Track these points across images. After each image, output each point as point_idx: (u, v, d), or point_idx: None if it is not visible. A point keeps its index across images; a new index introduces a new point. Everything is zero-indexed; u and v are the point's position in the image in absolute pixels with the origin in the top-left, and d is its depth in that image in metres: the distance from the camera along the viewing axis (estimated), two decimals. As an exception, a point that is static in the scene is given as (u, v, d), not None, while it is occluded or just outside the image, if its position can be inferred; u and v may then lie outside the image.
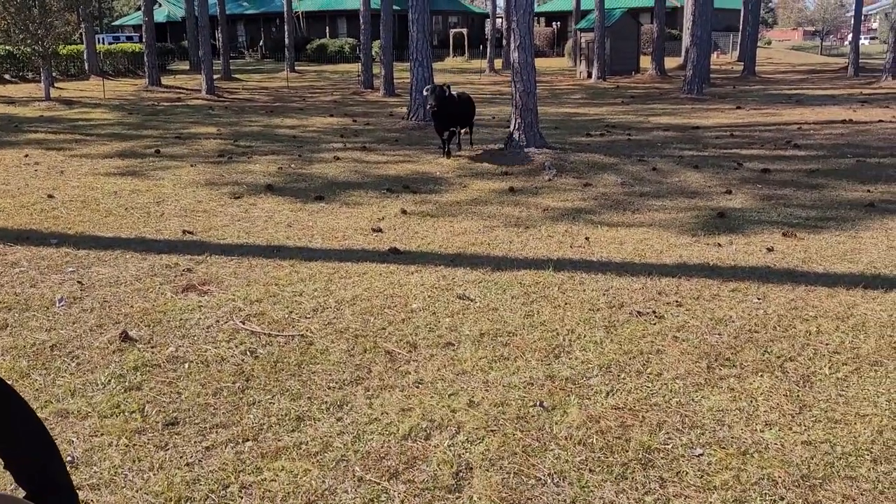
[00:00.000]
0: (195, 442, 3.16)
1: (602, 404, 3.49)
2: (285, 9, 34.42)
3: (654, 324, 4.45)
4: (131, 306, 4.78)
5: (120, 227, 6.84)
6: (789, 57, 45.98)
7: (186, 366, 3.92)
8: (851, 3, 47.11)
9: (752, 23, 32.23)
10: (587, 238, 6.40)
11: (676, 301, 4.81)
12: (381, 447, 3.13)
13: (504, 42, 34.12)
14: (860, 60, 31.29)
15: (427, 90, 10.03)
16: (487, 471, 2.95)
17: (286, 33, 34.12)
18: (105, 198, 8.05)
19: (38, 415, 3.08)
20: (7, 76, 27.39)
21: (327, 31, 45.27)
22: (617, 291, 5.02)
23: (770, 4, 77.41)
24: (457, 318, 4.60)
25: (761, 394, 3.55)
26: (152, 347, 4.15)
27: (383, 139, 12.81)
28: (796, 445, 3.10)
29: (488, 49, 34.17)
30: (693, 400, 3.52)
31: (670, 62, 30.33)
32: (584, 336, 4.29)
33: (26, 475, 0.86)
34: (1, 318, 4.52)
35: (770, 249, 5.98)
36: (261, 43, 47.34)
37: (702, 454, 3.05)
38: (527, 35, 10.62)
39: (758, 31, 34.42)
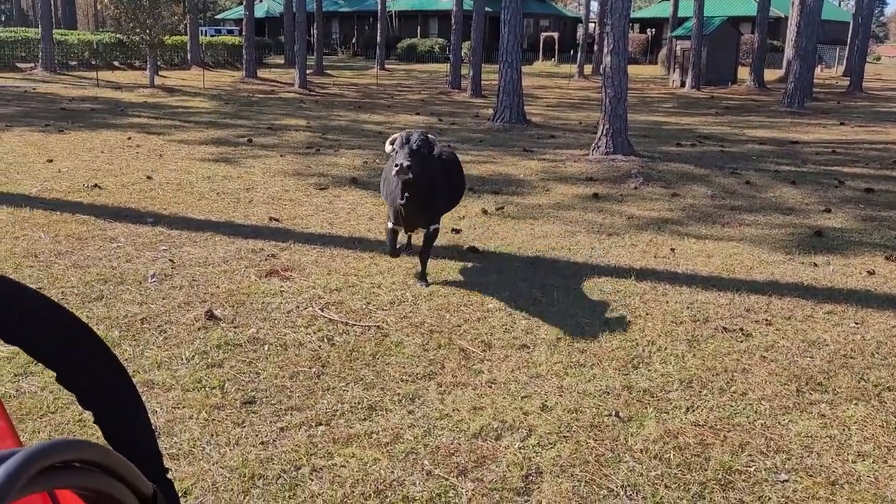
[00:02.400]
0: (270, 422, 3.22)
1: (681, 419, 3.37)
2: (379, 8, 34.98)
3: (741, 341, 4.27)
4: (217, 287, 4.92)
5: (211, 210, 7.07)
6: (899, 74, 43.53)
7: (266, 347, 4.00)
8: (972, 19, 44.04)
9: (862, 36, 30.64)
10: (672, 249, 6.22)
11: (766, 320, 4.60)
12: (451, 443, 3.11)
13: (596, 47, 33.64)
14: (979, 80, 29.28)
15: (397, 140, 4.80)
16: (558, 477, 2.88)
17: (378, 32, 34.65)
18: (199, 182, 8.35)
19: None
20: (116, 63, 28.87)
21: (418, 30, 45.76)
22: (702, 305, 4.85)
23: (882, 19, 73.56)
24: (533, 320, 4.54)
25: (855, 422, 3.35)
26: (235, 327, 4.26)
27: (467, 139, 12.82)
28: (892, 480, 2.91)
29: (579, 54, 33.78)
30: (780, 423, 3.35)
31: (770, 74, 29.22)
32: (665, 348, 4.16)
33: (113, 433, 0.86)
34: (98, 290, 4.73)
35: (871, 273, 5.65)
36: (353, 40, 48.26)
37: (787, 480, 2.89)
38: (621, 39, 10.42)
39: (867, 46, 32.73)
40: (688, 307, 4.82)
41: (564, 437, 3.19)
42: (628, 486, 2.84)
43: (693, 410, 3.46)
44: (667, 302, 4.91)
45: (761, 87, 27.42)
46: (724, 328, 4.44)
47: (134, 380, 3.27)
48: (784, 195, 8.56)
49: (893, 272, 5.70)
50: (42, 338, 0.86)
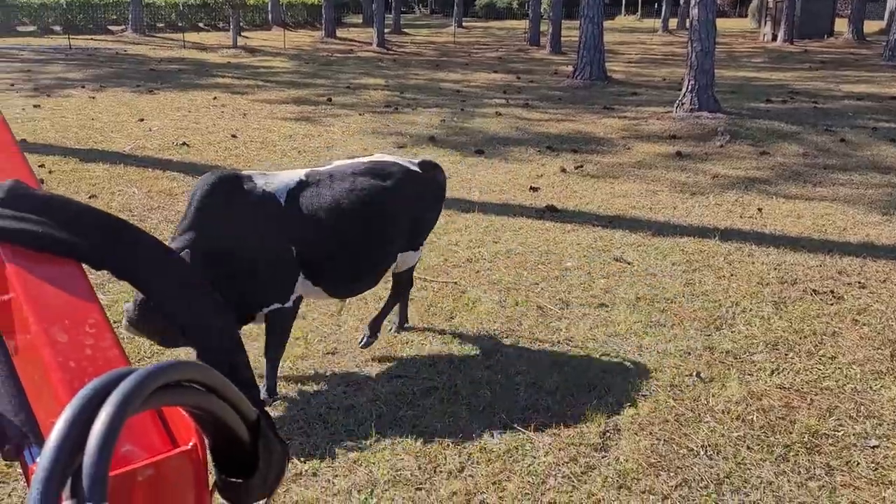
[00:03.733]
0: (352, 372, 3.32)
1: (765, 382, 3.28)
2: (457, -37, 34.46)
3: (832, 304, 4.10)
4: (300, 242, 5.05)
5: (293, 168, 7.21)
6: None
7: (348, 302, 4.09)
8: None
9: (976, -17, 28.31)
10: (760, 209, 5.99)
11: (859, 282, 4.41)
12: (528, 398, 3.13)
13: (682, 0, 32.31)
14: None
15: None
16: (636, 434, 2.87)
17: (457, -12, 34.19)
18: (281, 140, 8.52)
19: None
20: (201, 24, 29.55)
21: (497, -14, 44.95)
22: (790, 267, 4.68)
23: None
24: (612, 279, 4.48)
25: (954, 391, 3.19)
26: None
27: (546, 97, 12.60)
28: None
29: (664, 7, 32.53)
30: (871, 388, 3.22)
31: (870, 26, 27.44)
32: (750, 310, 4.04)
33: (211, 361, 0.89)
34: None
35: (977, 236, 5.32)
36: (431, -2, 47.85)
37: (877, 446, 2.79)
38: (710, -9, 9.95)
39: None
40: (775, 268, 4.65)
41: (643, 395, 3.16)
42: (709, 446, 2.81)
43: (778, 373, 3.36)
44: (752, 263, 4.76)
45: (860, 39, 25.79)
46: (814, 290, 4.28)
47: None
48: (882, 153, 8.09)
49: None
50: (142, 268, 0.91)
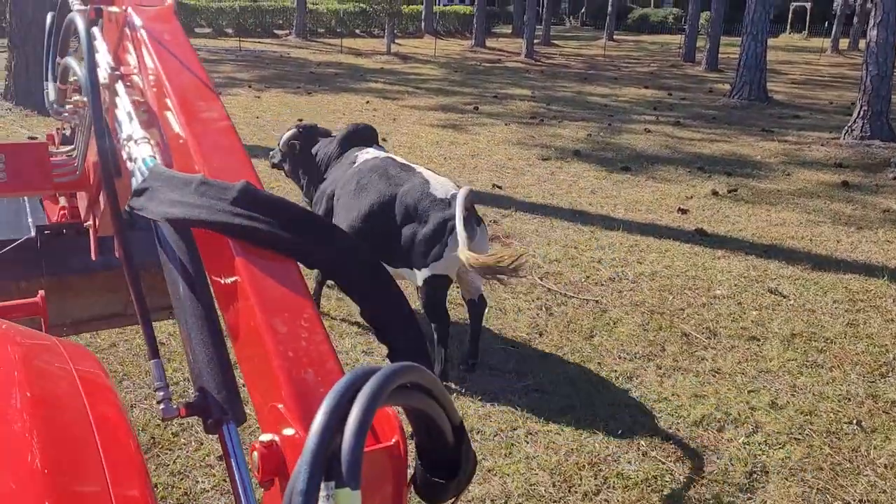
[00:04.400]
0: (489, 382, 3.34)
1: (937, 441, 3.00)
2: (613, -24, 33.95)
3: None
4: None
5: (439, 174, 7.36)
6: None
7: (486, 310, 4.12)
8: None
9: None
10: (937, 250, 5.49)
11: None
12: (669, 427, 3.03)
13: (856, 19, 30.16)
14: None
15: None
16: (786, 479, 2.70)
17: (609, 1, 33.70)
18: (428, 146, 8.73)
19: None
20: (358, 31, 30.85)
21: (651, 0, 43.90)
22: (972, 316, 4.25)
23: None
24: (765, 312, 4.25)
25: None
26: (456, 288, 4.43)
27: (699, 115, 12.15)
28: None
29: (834, 26, 30.51)
30: None
31: None
32: (922, 360, 3.70)
33: (401, 355, 0.96)
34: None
35: None
36: (582, 10, 47.41)
37: None
38: (892, 10, 9.25)
39: None
40: (953, 317, 4.24)
41: (796, 438, 2.97)
42: (867, 501, 2.60)
43: (953, 433, 3.06)
44: (926, 308, 4.36)
45: None
46: None
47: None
48: None
49: None
50: (345, 268, 0.96)
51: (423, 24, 31.78)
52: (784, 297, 4.50)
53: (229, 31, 27.40)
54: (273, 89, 13.18)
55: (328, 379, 0.76)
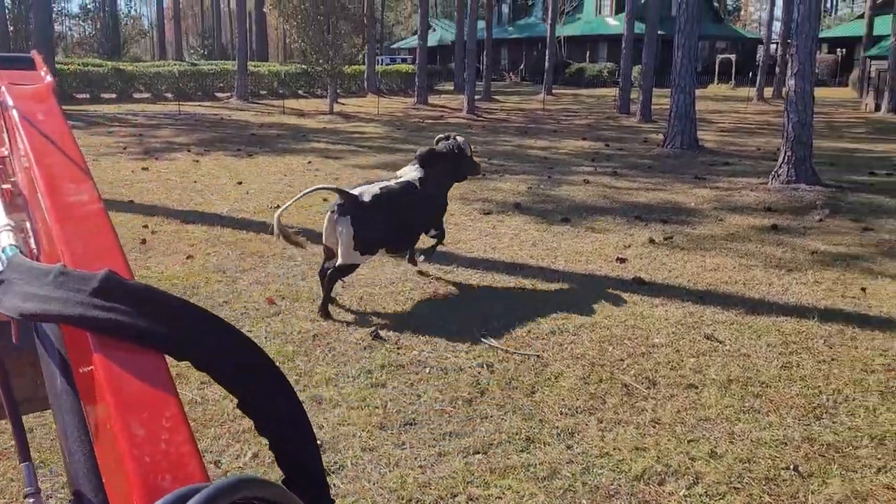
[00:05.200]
0: (429, 445, 3.27)
1: (871, 480, 3.04)
2: (548, 33, 35.12)
3: (946, 398, 3.79)
4: (384, 307, 5.10)
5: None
6: None
7: (427, 370, 4.08)
8: None
9: None
10: (863, 289, 5.67)
11: (978, 374, 4.06)
12: (611, 484, 3.00)
13: (777, 69, 31.71)
14: None
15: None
16: (727, 532, 2.69)
17: (546, 57, 34.78)
18: (369, 205, 8.73)
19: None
20: (300, 91, 31.08)
21: (587, 55, 45.43)
22: (899, 354, 4.37)
23: None
24: (702, 359, 4.30)
25: None
26: (398, 349, 4.39)
27: (635, 165, 12.49)
28: None
29: (759, 76, 32.02)
30: None
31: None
32: (853, 399, 3.78)
33: (287, 459, 0.89)
34: (276, 306, 5.06)
35: None
36: (521, 66, 48.81)
37: None
38: (807, 61, 9.74)
39: None
40: (881, 354, 4.36)
41: (735, 488, 2.98)
42: (808, 550, 2.60)
43: (885, 472, 3.11)
44: (856, 348, 4.48)
45: (973, 109, 24.51)
46: (926, 381, 3.97)
47: (304, 394, 3.46)
48: None
49: None
50: (221, 360, 0.92)
51: (365, 83, 32.22)
52: (720, 342, 4.57)
53: (168, 95, 27.27)
54: (213, 153, 13.09)
55: (188, 485, 0.71)
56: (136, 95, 27.10)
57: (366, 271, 5.92)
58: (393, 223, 5.11)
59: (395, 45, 60.70)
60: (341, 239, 4.89)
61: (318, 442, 3.26)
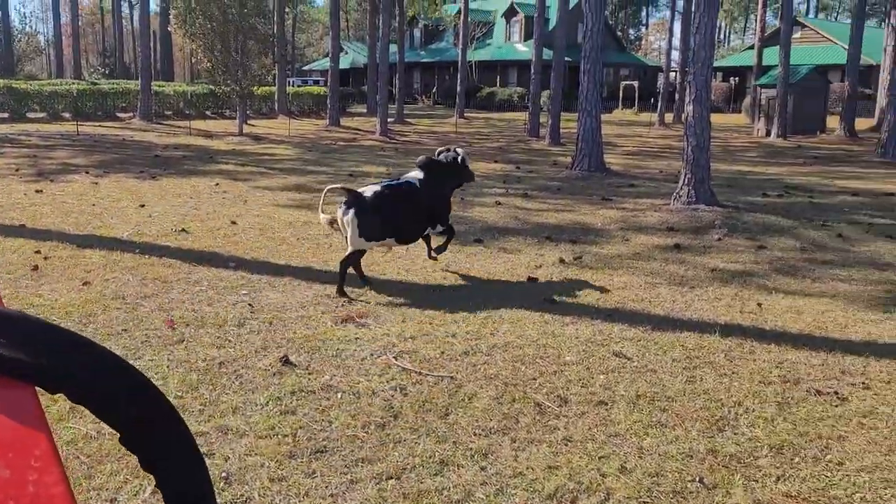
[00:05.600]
0: (341, 473, 3.19)
1: (771, 489, 3.15)
2: (460, 58, 35.68)
3: (836, 406, 4.00)
4: (294, 332, 4.98)
5: (291, 255, 7.22)
6: None
7: (339, 395, 3.99)
8: None
9: (961, 83, 29.23)
10: (759, 304, 5.95)
11: (863, 383, 4.31)
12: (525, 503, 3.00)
13: (677, 96, 33.26)
14: None
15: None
16: (638, 546, 2.73)
17: (458, 81, 35.29)
18: (281, 227, 8.57)
19: (201, 428, 3.22)
20: (208, 112, 30.32)
21: (498, 79, 46.38)
22: (793, 365, 4.59)
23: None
24: (612, 376, 4.39)
25: (969, 502, 3.06)
26: (309, 374, 4.28)
27: (545, 187, 12.77)
28: None
29: (660, 102, 33.48)
30: (881, 498, 3.09)
31: (861, 123, 28.14)
32: (753, 410, 3.93)
33: (175, 498, 0.82)
34: (179, 333, 4.86)
35: (980, 335, 5.25)
36: (434, 89, 49.32)
37: (892, 564, 2.65)
38: (703, 88, 10.24)
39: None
40: (777, 366, 4.57)
41: (645, 502, 3.03)
42: (714, 560, 2.66)
43: (784, 480, 3.23)
44: (754, 360, 4.67)
45: (852, 136, 26.42)
46: (818, 391, 4.18)
47: (209, 424, 3.30)
48: (880, 250, 8.11)
49: None
50: (100, 392, 0.84)
51: (276, 104, 31.77)
52: (628, 359, 4.67)
53: (66, 115, 26.08)
54: (113, 174, 12.57)
55: None
56: (31, 115, 25.77)
57: (276, 296, 5.78)
58: (394, 215, 6.02)
59: (306, 67, 60.25)
60: (349, 228, 5.88)
61: (225, 474, 3.12)
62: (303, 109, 34.18)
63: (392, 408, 3.86)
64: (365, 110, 36.95)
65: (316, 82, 46.10)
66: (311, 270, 6.64)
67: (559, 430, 3.67)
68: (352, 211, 5.89)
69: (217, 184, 11.86)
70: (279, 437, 3.48)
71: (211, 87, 24.47)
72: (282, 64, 31.85)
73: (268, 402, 3.87)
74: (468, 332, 5.08)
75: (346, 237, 5.97)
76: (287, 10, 43.36)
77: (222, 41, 20.72)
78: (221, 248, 7.40)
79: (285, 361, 4.40)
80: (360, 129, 26.37)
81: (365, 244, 6.00)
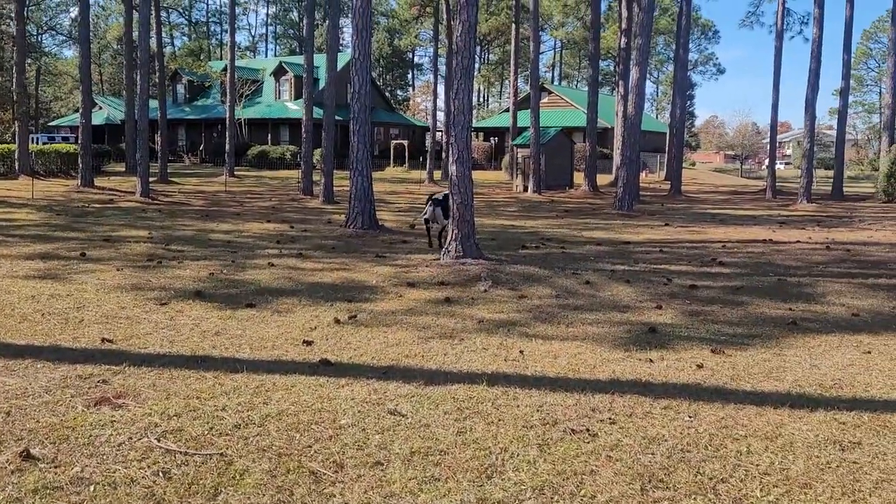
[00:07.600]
0: (92, 578, 2.87)
1: (535, 530, 3.34)
2: (228, 115, 34.89)
3: (588, 442, 4.37)
4: (37, 421, 4.44)
5: (34, 333, 6.48)
6: (712, 178, 48.72)
7: (92, 488, 3.61)
8: (767, 131, 50.68)
9: (677, 145, 34.20)
10: (521, 351, 6.38)
11: (610, 418, 4.76)
12: (300, 582, 2.90)
13: (444, 154, 35.19)
14: (777, 184, 33.32)
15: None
16: None
17: (227, 139, 34.40)
18: (21, 302, 7.68)
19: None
20: (-69, 172, 26.60)
21: (269, 137, 45.88)
22: (551, 408, 4.95)
23: (693, 129, 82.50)
24: (387, 434, 4.43)
25: (696, 518, 3.47)
26: (56, 467, 3.83)
27: (320, 246, 12.77)
28: (733, 575, 3.01)
29: (428, 160, 35.14)
30: (628, 525, 3.40)
31: (602, 178, 31.69)
32: (518, 455, 4.17)
33: None
34: None
35: (700, 366, 6.05)
36: (201, 147, 47.57)
37: (638, 586, 2.92)
38: (465, 150, 10.95)
39: (682, 154, 36.45)
40: (537, 410, 4.90)
41: (419, 561, 3.06)
42: None
43: (547, 519, 3.45)
44: (517, 406, 4.98)
45: (595, 190, 29.63)
46: (572, 430, 4.54)
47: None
48: (620, 294, 9.10)
49: (719, 364, 6.14)
50: None
51: (16, 163, 28.71)
52: (403, 415, 4.76)
53: None
54: None
55: None
56: None
57: (14, 381, 5.14)
58: (447, 208, 11.40)
59: (53, 123, 55.34)
60: (435, 213, 12.45)
61: None
62: (50, 169, 31.16)
63: (154, 495, 3.57)
64: (123, 169, 34.64)
65: (65, 139, 42.45)
66: (58, 349, 6.00)
67: (335, 496, 3.62)
68: (432, 203, 12.70)
69: (-58, 254, 10.38)
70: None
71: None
72: (24, 119, 28.95)
73: (3, 506, 3.39)
74: (239, 404, 4.87)
75: (436, 218, 12.65)
76: (29, 61, 39.79)
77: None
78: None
79: (26, 456, 3.90)
80: (117, 190, 24.63)
81: (443, 220, 12.07)
